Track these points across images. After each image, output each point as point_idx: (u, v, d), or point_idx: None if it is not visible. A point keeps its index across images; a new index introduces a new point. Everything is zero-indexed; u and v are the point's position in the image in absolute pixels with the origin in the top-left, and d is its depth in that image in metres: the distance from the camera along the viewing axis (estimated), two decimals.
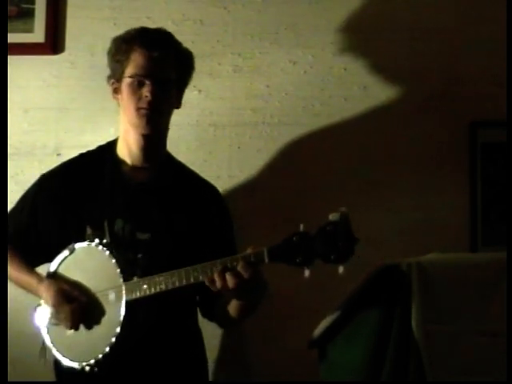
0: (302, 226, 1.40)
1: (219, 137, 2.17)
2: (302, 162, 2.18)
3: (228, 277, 1.45)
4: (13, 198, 2.19)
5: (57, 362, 1.71)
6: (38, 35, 2.23)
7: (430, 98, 2.15)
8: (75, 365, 1.62)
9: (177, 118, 2.19)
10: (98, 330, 1.61)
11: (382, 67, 2.17)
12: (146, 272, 1.59)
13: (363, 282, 1.53)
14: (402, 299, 1.50)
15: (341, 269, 1.34)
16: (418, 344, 1.46)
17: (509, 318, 1.44)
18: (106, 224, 1.70)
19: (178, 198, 1.77)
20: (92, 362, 1.58)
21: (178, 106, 1.82)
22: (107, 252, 1.63)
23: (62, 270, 1.71)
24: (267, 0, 2.21)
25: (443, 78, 2.16)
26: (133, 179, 1.77)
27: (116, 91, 1.78)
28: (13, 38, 2.17)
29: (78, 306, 1.63)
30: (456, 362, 1.48)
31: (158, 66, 1.71)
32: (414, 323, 1.47)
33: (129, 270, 1.61)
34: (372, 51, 2.17)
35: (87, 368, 1.59)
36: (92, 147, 2.21)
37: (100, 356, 1.57)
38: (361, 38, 2.18)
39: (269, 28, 2.20)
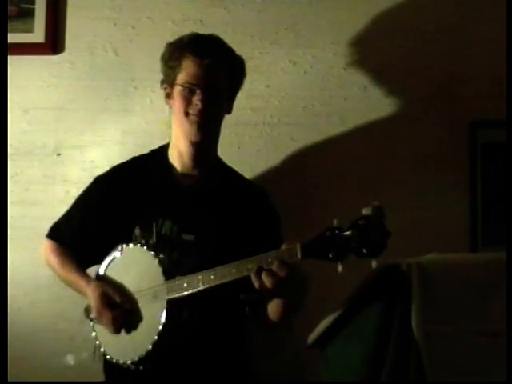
0: (335, 222, 1.39)
1: None
2: (301, 161, 2.18)
3: (264, 277, 1.46)
4: (13, 198, 2.20)
5: (106, 361, 1.75)
6: (38, 35, 2.23)
7: (430, 98, 2.15)
8: (120, 362, 1.66)
9: None
10: (140, 328, 1.64)
11: (381, 67, 2.17)
12: (189, 272, 1.60)
13: (363, 281, 1.53)
14: (401, 299, 1.50)
15: (374, 263, 1.33)
16: (418, 344, 1.46)
17: (509, 318, 1.44)
18: (154, 225, 1.74)
19: (224, 202, 1.79)
20: (136, 359, 1.61)
21: (229, 111, 1.84)
22: (151, 252, 1.66)
23: (110, 271, 1.75)
24: (267, 0, 2.21)
25: (443, 78, 2.16)
26: (182, 183, 1.81)
27: (168, 96, 1.80)
28: (13, 38, 2.17)
29: (120, 312, 1.66)
30: (456, 362, 1.48)
31: (209, 75, 1.73)
32: (413, 323, 1.47)
33: (173, 270, 1.64)
34: (372, 51, 2.17)
35: (132, 366, 1.63)
36: (92, 147, 2.23)
37: (143, 353, 1.60)
38: (361, 38, 2.18)
39: (269, 28, 2.20)
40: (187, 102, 1.73)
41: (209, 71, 1.72)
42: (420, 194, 2.12)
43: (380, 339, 1.51)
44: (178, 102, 1.76)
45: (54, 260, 1.86)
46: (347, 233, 1.36)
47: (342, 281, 1.64)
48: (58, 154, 2.24)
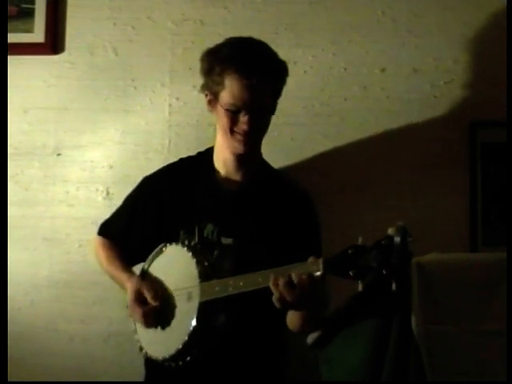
0: (360, 239, 1.37)
1: None
2: (301, 162, 2.17)
3: (284, 288, 1.44)
4: (13, 198, 2.20)
5: (146, 356, 1.76)
6: (38, 35, 2.23)
7: (430, 98, 2.15)
8: (153, 358, 1.69)
9: (177, 117, 2.21)
10: (173, 327, 1.67)
11: (382, 67, 2.17)
12: (227, 276, 1.60)
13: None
14: (401, 299, 1.50)
15: (394, 285, 1.30)
16: (417, 344, 1.46)
17: (509, 318, 1.44)
18: (196, 228, 1.75)
19: (264, 207, 1.77)
20: (167, 356, 1.63)
21: (273, 112, 1.79)
22: (190, 253, 1.67)
23: (152, 268, 1.77)
24: (267, 0, 2.21)
25: (443, 77, 2.15)
26: (225, 187, 1.79)
27: (210, 103, 1.75)
28: (13, 38, 2.17)
29: (150, 309, 1.67)
30: (456, 362, 1.48)
31: (254, 95, 1.66)
32: (414, 323, 1.47)
33: (209, 273, 1.64)
34: (372, 51, 2.17)
35: (164, 362, 1.65)
36: (92, 147, 2.23)
37: (174, 352, 1.62)
38: (361, 37, 2.18)
39: (269, 28, 2.20)
40: (232, 121, 1.69)
41: (254, 91, 1.65)
42: (420, 194, 2.12)
43: (380, 339, 1.51)
44: (222, 119, 1.71)
45: (102, 255, 1.88)
46: (369, 252, 1.34)
47: (342, 281, 1.65)
48: (58, 154, 2.24)
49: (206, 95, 1.75)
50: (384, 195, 2.12)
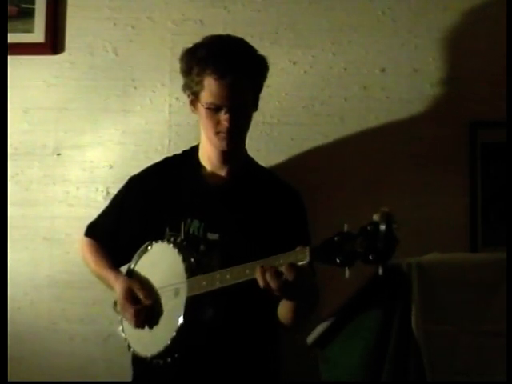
0: (346, 226, 1.37)
1: None
2: (301, 161, 2.18)
3: (269, 278, 1.45)
4: (13, 198, 2.20)
5: (133, 354, 1.76)
6: (38, 35, 2.23)
7: (430, 98, 2.15)
8: (142, 356, 1.68)
9: (177, 117, 2.21)
10: (161, 324, 1.67)
11: (382, 67, 2.17)
12: (214, 271, 1.60)
13: (364, 282, 1.53)
14: (401, 299, 1.50)
15: (380, 270, 1.30)
16: (418, 344, 1.46)
17: (509, 318, 1.44)
18: (182, 224, 1.75)
19: (249, 202, 1.79)
20: (155, 353, 1.63)
21: (255, 109, 1.81)
22: (176, 250, 1.68)
23: (138, 267, 1.78)
24: (267, 0, 2.21)
25: (443, 77, 2.16)
26: (211, 183, 1.81)
27: (192, 102, 1.77)
28: (13, 38, 2.17)
29: (142, 307, 1.68)
30: (456, 362, 1.48)
31: (233, 93, 1.68)
32: (413, 323, 1.47)
33: (196, 268, 1.65)
34: (372, 51, 2.17)
35: (153, 360, 1.65)
36: (92, 147, 2.23)
37: (162, 349, 1.62)
38: (361, 37, 2.18)
39: (269, 28, 2.20)
40: (214, 121, 1.71)
41: (233, 89, 1.67)
42: (420, 194, 2.12)
43: (380, 339, 1.51)
44: (204, 119, 1.73)
45: (89, 257, 1.89)
46: (355, 238, 1.34)
47: (342, 280, 1.65)
48: (58, 154, 2.24)
49: (188, 95, 1.77)
50: (384, 195, 2.12)
